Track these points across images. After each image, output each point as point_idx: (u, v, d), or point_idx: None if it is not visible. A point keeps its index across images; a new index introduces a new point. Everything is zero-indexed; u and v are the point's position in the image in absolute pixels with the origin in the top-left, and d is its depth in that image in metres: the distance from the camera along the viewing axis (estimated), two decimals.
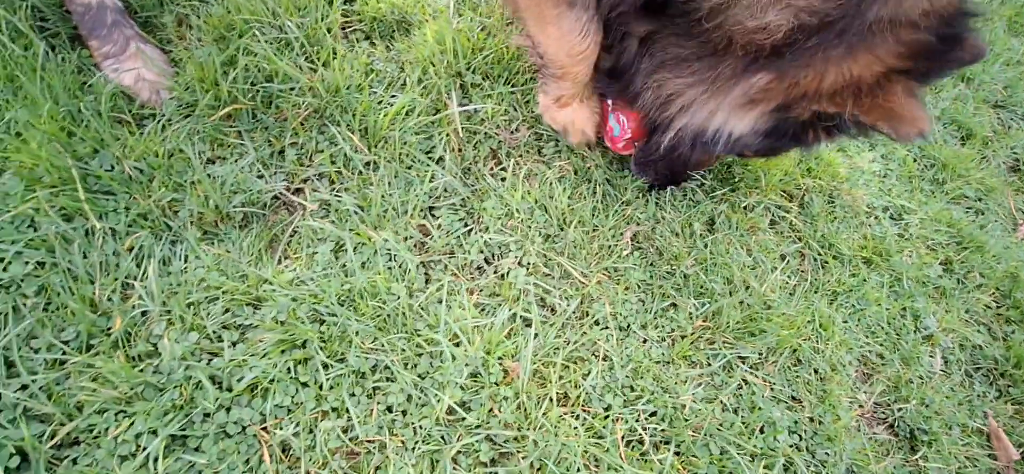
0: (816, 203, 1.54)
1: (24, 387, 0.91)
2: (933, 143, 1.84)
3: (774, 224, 1.50)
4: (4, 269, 0.98)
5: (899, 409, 1.33)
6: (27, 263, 0.99)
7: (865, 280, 1.46)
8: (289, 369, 1.00)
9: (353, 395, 1.01)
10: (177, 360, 0.95)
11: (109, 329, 0.97)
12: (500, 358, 1.11)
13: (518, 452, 1.04)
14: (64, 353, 0.95)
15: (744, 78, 0.93)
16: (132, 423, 0.90)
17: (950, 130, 1.93)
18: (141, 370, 0.94)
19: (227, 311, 1.03)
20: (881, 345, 1.39)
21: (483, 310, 1.17)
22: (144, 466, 0.89)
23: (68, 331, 0.96)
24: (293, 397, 0.98)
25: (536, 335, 1.15)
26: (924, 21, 0.85)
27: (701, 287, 1.31)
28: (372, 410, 1.01)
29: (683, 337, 1.25)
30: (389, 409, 1.03)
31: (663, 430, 1.13)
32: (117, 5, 1.23)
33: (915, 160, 1.79)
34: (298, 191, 1.22)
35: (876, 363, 1.38)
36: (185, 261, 1.06)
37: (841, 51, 0.87)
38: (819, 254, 1.47)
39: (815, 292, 1.41)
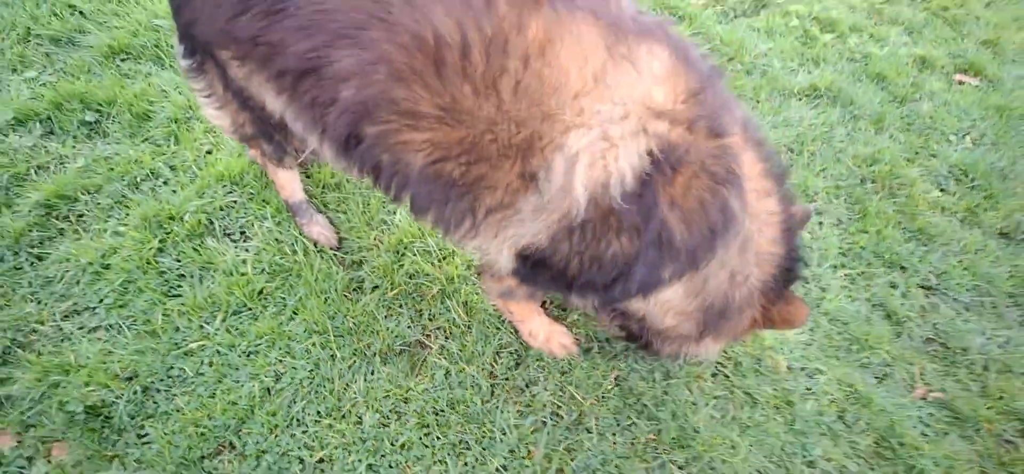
0: (746, 363, 2.36)
1: (304, 431, 1.99)
2: (857, 322, 2.58)
3: (714, 375, 2.34)
4: (296, 372, 2.09)
5: None
6: (305, 370, 2.09)
7: (771, 419, 2.25)
8: (420, 438, 2.01)
9: (450, 454, 2.00)
10: (372, 427, 2.00)
11: (341, 407, 2.04)
12: (527, 444, 2.06)
13: None
14: (320, 416, 2.03)
15: (700, 342, 1.82)
16: (374, 455, 1.95)
17: (876, 311, 2.65)
18: (354, 430, 2.00)
19: (393, 403, 2.07)
20: (774, 465, 2.18)
21: (520, 414, 2.13)
22: None
23: (321, 406, 2.04)
24: (421, 452, 1.99)
25: (549, 432, 2.09)
26: (770, 267, 1.63)
27: (653, 414, 2.19)
28: (458, 464, 1.99)
29: (638, 443, 2.13)
30: (466, 464, 2.00)
31: None
32: (306, 199, 2.39)
33: (838, 333, 2.54)
34: (427, 336, 2.26)
35: None
36: (373, 375, 2.13)
37: (737, 313, 1.73)
38: (741, 400, 2.29)
39: (732, 421, 2.23)
